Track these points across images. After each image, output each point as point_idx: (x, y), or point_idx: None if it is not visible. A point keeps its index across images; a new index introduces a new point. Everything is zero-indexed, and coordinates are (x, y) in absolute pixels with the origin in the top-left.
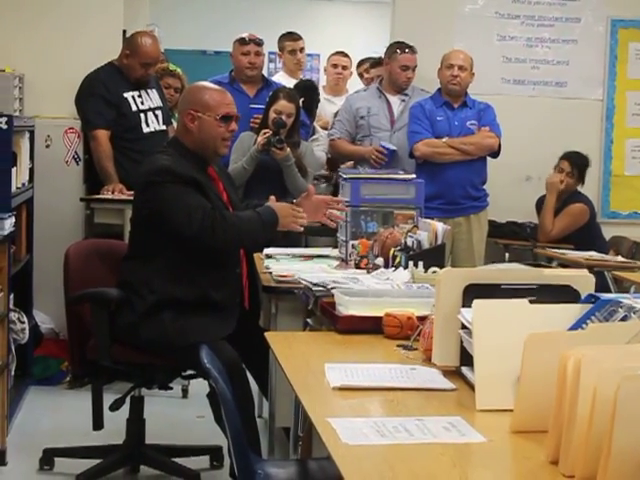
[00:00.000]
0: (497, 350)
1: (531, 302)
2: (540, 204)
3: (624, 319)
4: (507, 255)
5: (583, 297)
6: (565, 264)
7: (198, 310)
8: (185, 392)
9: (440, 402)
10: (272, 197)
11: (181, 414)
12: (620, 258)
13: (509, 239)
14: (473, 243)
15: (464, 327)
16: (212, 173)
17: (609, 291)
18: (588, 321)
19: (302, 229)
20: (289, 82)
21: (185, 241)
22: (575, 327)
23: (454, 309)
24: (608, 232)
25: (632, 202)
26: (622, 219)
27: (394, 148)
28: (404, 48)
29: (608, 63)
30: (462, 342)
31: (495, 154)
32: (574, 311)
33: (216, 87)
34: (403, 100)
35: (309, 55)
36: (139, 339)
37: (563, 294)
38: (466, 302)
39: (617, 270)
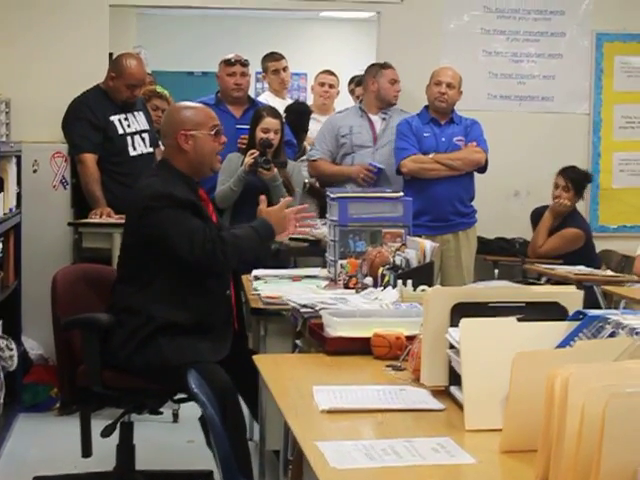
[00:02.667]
0: (485, 369)
1: (519, 320)
2: (535, 217)
3: (612, 335)
4: (496, 271)
5: (571, 314)
6: (554, 279)
7: (194, 334)
8: (175, 416)
9: (429, 423)
10: (262, 197)
11: (171, 439)
12: (609, 272)
13: (498, 255)
14: (462, 260)
15: (452, 347)
16: (203, 195)
17: (599, 306)
18: (576, 338)
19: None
20: (275, 102)
21: (186, 265)
22: (563, 344)
23: (442, 328)
24: (597, 246)
25: (620, 215)
26: (611, 233)
27: (382, 167)
28: (386, 65)
29: (594, 77)
30: (450, 362)
31: (482, 169)
32: (562, 328)
33: (196, 104)
34: (384, 118)
35: (296, 74)
36: (134, 364)
37: (551, 311)
38: (454, 321)
39: (606, 284)
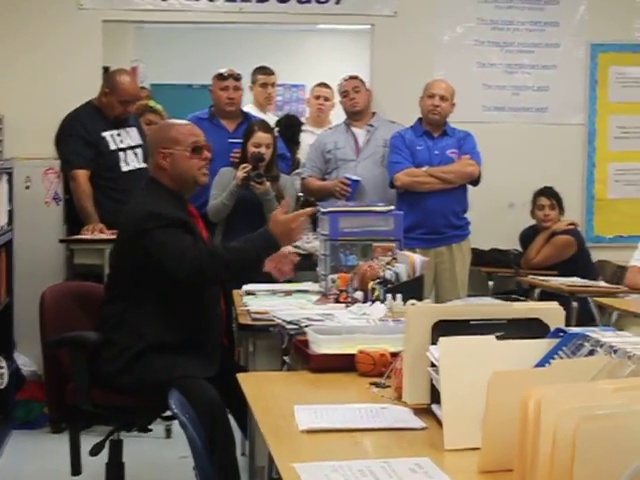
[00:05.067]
0: (465, 388)
1: (500, 337)
2: (524, 238)
3: (591, 353)
4: (491, 283)
5: (551, 331)
6: (548, 291)
7: (184, 351)
8: (168, 432)
9: (409, 442)
10: (285, 200)
11: (164, 455)
12: (603, 283)
13: (492, 267)
14: (456, 272)
15: (433, 365)
16: (192, 210)
17: (593, 318)
18: (555, 356)
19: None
20: (258, 115)
21: (178, 283)
22: (542, 362)
23: (423, 346)
24: (592, 256)
25: (616, 226)
26: (606, 243)
27: (358, 179)
28: (348, 77)
29: (588, 87)
30: (432, 380)
31: (475, 182)
32: (541, 346)
33: (182, 121)
34: (368, 131)
35: (294, 86)
36: (124, 381)
37: (533, 328)
38: (435, 339)
39: (600, 296)
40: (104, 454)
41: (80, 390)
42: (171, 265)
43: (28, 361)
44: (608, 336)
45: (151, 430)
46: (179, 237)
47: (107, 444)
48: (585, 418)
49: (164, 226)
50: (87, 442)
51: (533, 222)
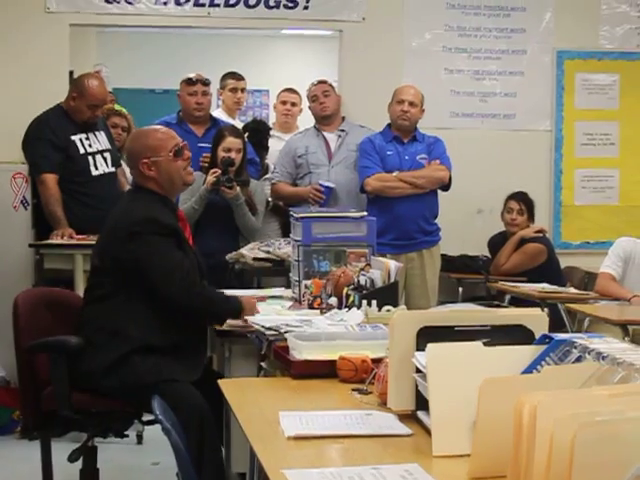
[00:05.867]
0: (452, 394)
1: (485, 344)
2: (492, 244)
3: (579, 360)
4: (460, 289)
5: (537, 337)
6: (518, 297)
7: (168, 354)
8: (140, 438)
9: (396, 448)
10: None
11: (136, 461)
12: (573, 290)
13: (462, 273)
14: (427, 278)
15: (419, 371)
16: (181, 215)
17: (563, 324)
18: (543, 362)
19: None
20: (227, 120)
21: (161, 295)
22: (530, 369)
23: (408, 352)
24: (560, 263)
25: (583, 232)
26: (574, 249)
27: (332, 185)
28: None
29: (555, 94)
30: (417, 386)
31: (446, 187)
32: (528, 352)
33: (154, 127)
34: (340, 136)
35: (258, 91)
36: (107, 384)
37: (517, 334)
38: (420, 345)
39: (570, 302)
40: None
41: (60, 395)
42: (157, 278)
43: None
44: (596, 342)
45: (127, 436)
46: (170, 251)
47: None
48: (583, 425)
49: (157, 234)
50: (58, 448)
51: (502, 228)
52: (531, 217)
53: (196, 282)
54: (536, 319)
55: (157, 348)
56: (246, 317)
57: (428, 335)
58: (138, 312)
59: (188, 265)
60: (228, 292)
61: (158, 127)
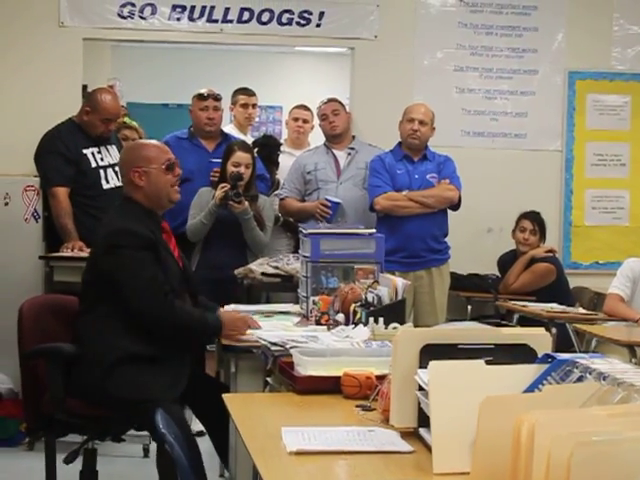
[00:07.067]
0: (454, 412)
1: (488, 362)
2: (502, 263)
3: (580, 379)
4: (469, 308)
5: (539, 357)
6: (527, 316)
7: (153, 366)
8: (146, 451)
9: (398, 466)
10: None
11: (142, 475)
12: (581, 310)
13: (471, 291)
14: (435, 296)
15: (421, 388)
16: (166, 227)
17: (571, 344)
18: (545, 382)
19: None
20: (238, 136)
21: (133, 310)
22: (532, 388)
23: (411, 370)
24: (570, 283)
25: (593, 252)
26: (583, 269)
27: (338, 201)
28: (326, 101)
29: (566, 114)
30: (420, 403)
31: (455, 207)
32: (530, 371)
33: (150, 141)
34: (349, 153)
35: (271, 107)
36: (95, 395)
37: (520, 353)
38: (423, 362)
39: (578, 322)
40: (78, 463)
41: (56, 400)
42: (129, 294)
43: (5, 378)
44: (597, 363)
45: (124, 440)
46: (145, 264)
47: (81, 453)
48: (580, 444)
49: (134, 246)
50: (61, 452)
51: (511, 247)
52: (543, 237)
53: (167, 298)
54: (539, 339)
55: (141, 358)
56: (228, 336)
57: (431, 353)
58: (120, 324)
59: (162, 280)
60: (232, 307)
61: (154, 142)
